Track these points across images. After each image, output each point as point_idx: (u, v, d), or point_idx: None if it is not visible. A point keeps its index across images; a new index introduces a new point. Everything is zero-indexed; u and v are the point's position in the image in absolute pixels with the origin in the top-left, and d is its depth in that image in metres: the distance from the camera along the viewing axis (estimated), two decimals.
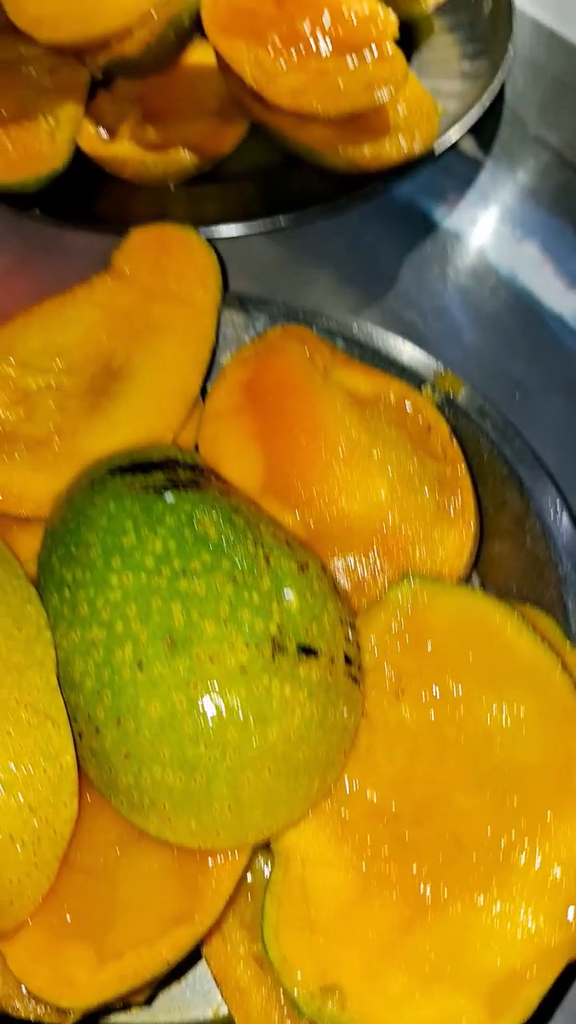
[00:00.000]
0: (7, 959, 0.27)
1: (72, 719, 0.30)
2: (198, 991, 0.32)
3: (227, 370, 0.41)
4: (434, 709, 0.30)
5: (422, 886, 0.28)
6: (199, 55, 0.56)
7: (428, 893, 0.28)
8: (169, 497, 0.32)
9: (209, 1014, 0.32)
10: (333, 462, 0.37)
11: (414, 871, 0.28)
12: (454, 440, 0.37)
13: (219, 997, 0.31)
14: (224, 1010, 0.32)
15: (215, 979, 0.29)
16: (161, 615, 0.29)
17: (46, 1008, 0.27)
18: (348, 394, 0.39)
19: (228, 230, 0.48)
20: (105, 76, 0.54)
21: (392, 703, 0.31)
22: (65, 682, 0.30)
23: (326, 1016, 0.26)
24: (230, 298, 0.44)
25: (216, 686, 0.28)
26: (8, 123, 0.51)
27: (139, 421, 0.39)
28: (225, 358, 0.43)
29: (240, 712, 0.28)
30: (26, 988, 0.27)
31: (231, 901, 0.28)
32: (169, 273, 0.43)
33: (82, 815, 0.29)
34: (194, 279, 0.43)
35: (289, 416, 0.39)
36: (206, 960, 0.30)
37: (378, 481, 0.36)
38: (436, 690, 0.31)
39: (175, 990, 0.32)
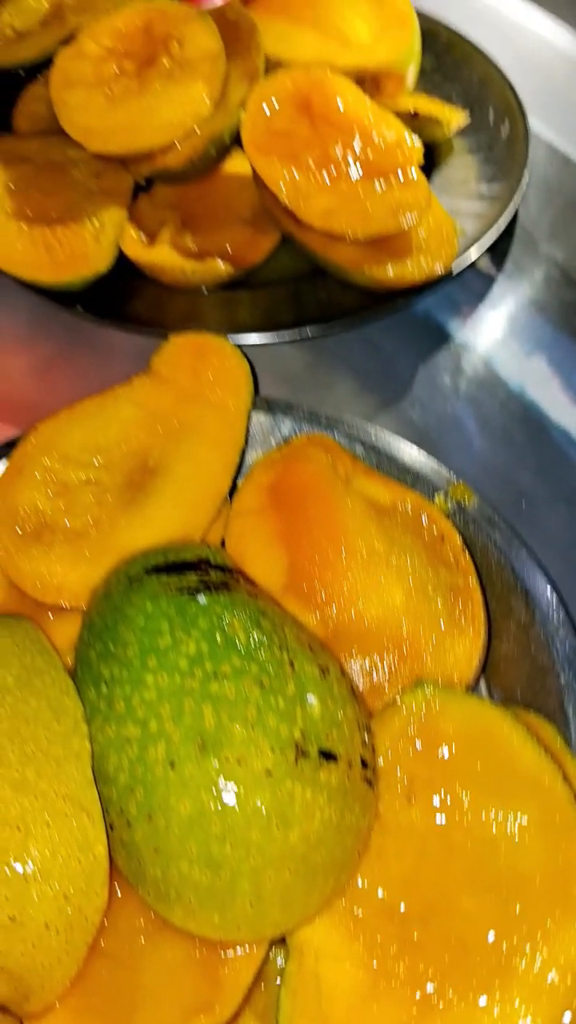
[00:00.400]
0: None
1: (104, 811, 0.32)
2: None
3: (254, 472, 0.44)
4: (443, 814, 0.33)
5: (429, 985, 0.30)
6: (235, 164, 0.60)
7: (434, 992, 0.30)
8: (202, 599, 0.35)
9: None
10: (353, 566, 0.40)
11: (421, 970, 0.30)
12: (466, 551, 0.40)
13: None
14: None
15: None
16: (193, 716, 0.31)
17: None
18: (367, 502, 0.42)
19: (259, 338, 0.51)
20: (147, 181, 0.58)
21: (403, 806, 0.33)
22: (99, 775, 0.32)
23: None
24: (258, 401, 0.47)
25: (243, 789, 0.30)
26: (55, 224, 0.55)
27: (172, 518, 0.42)
28: (250, 456, 0.46)
29: (264, 814, 0.30)
30: None
31: (248, 992, 0.30)
32: (204, 378, 0.46)
33: (110, 903, 0.31)
34: (227, 386, 0.46)
35: (312, 520, 0.41)
36: None
37: (394, 587, 0.39)
38: (445, 796, 0.33)
39: None
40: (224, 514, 0.44)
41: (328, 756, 0.32)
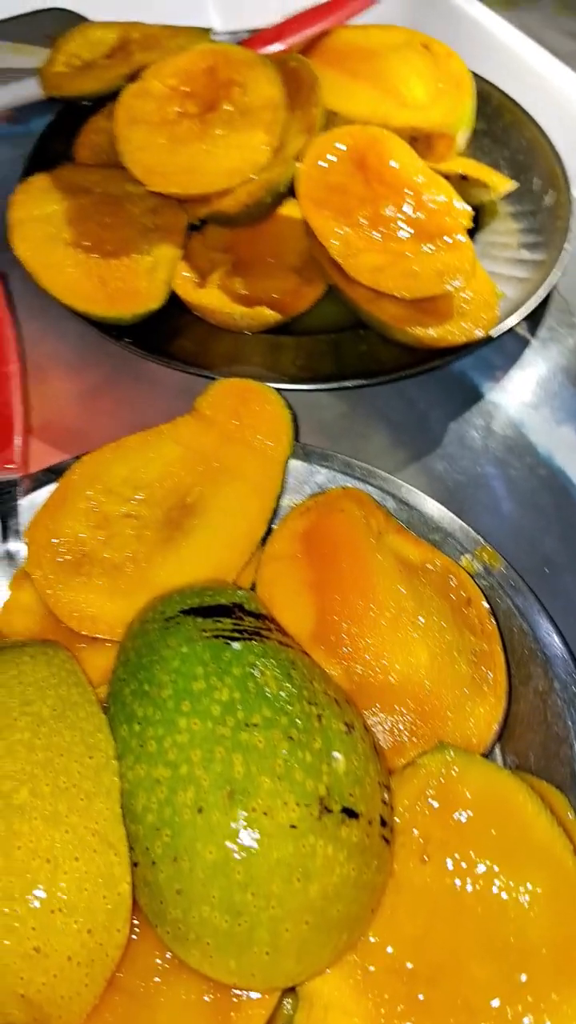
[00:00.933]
0: None
1: (130, 848, 0.32)
2: None
3: (288, 518, 0.45)
4: (456, 877, 0.34)
5: None
6: (287, 212, 0.61)
7: None
8: (236, 645, 0.36)
9: None
10: (381, 622, 0.41)
11: None
12: (492, 617, 0.41)
13: None
14: None
15: None
16: (223, 764, 0.32)
17: None
18: (398, 559, 0.43)
19: (298, 385, 0.52)
20: (200, 221, 0.60)
21: (417, 866, 0.34)
22: (127, 812, 0.33)
23: None
24: (296, 448, 0.48)
25: (268, 840, 0.31)
26: (111, 257, 0.56)
27: (208, 557, 0.43)
28: (284, 502, 0.48)
29: (287, 867, 0.31)
30: None
31: None
32: (247, 422, 0.47)
33: (128, 940, 0.32)
34: (268, 432, 0.47)
35: (343, 572, 0.42)
36: None
37: (421, 646, 0.40)
38: (459, 859, 0.34)
39: None
40: (256, 557, 0.45)
41: (350, 814, 0.33)
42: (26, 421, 0.51)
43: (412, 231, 0.55)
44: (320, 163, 0.57)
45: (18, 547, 0.46)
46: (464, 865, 0.34)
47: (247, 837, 0.31)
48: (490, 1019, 0.31)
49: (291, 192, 0.57)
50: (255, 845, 0.31)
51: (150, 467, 0.46)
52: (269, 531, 0.46)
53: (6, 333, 0.52)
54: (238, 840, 0.31)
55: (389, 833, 0.34)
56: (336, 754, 0.34)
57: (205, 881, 0.31)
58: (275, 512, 0.46)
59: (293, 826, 0.31)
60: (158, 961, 0.32)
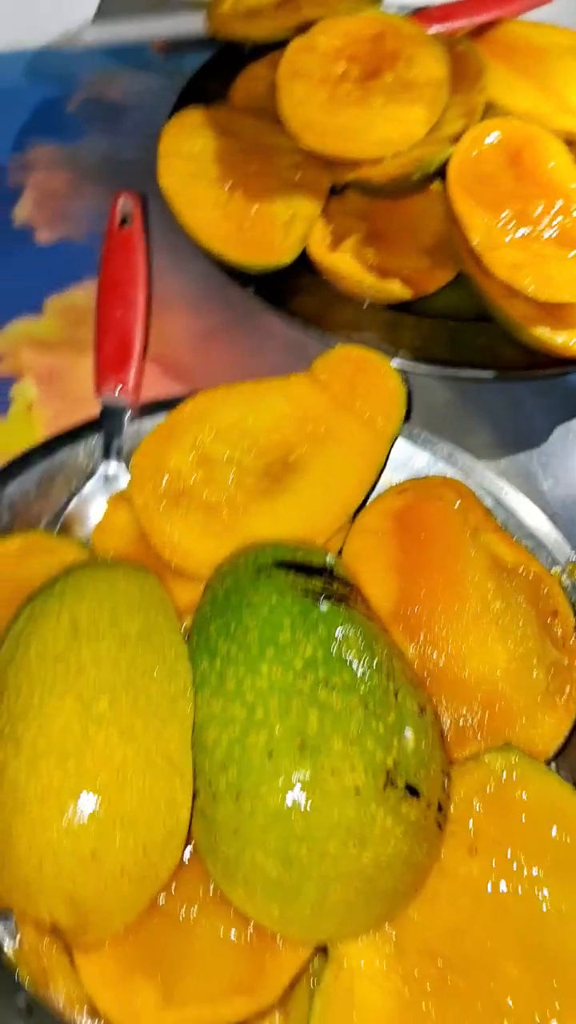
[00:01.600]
0: (81, 972, 0.31)
1: (193, 778, 0.33)
2: None
3: (385, 495, 0.45)
4: (501, 876, 0.34)
5: None
6: (432, 193, 0.60)
7: None
8: (324, 606, 0.36)
9: None
10: (464, 616, 0.41)
11: (450, 1016, 0.31)
12: None
13: None
14: None
15: None
16: (298, 717, 0.32)
17: None
18: (491, 557, 0.43)
19: (410, 366, 0.52)
20: (343, 186, 0.60)
21: (464, 858, 0.34)
22: (196, 744, 0.33)
23: None
24: (402, 428, 0.48)
25: (332, 799, 0.31)
26: (251, 205, 0.56)
27: (302, 518, 0.43)
28: (381, 478, 0.47)
29: (345, 829, 0.31)
30: (91, 1005, 0.30)
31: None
32: (360, 393, 0.47)
33: (179, 867, 0.32)
34: (381, 406, 0.47)
35: (433, 559, 0.42)
36: None
37: (500, 648, 0.40)
38: (508, 860, 0.34)
39: None
40: (346, 527, 0.45)
41: (413, 791, 0.33)
42: (141, 351, 0.51)
43: (557, 235, 0.54)
44: (475, 151, 0.56)
45: (117, 470, 0.46)
46: (513, 866, 0.34)
47: (311, 792, 0.31)
48: (516, 1017, 0.31)
49: (439, 174, 0.57)
50: (317, 801, 0.31)
51: (259, 417, 0.46)
52: (363, 504, 0.46)
53: (138, 257, 0.52)
54: (303, 793, 0.31)
55: (444, 819, 0.34)
56: (408, 732, 0.34)
57: (264, 826, 0.31)
58: (373, 487, 0.46)
59: (358, 791, 0.31)
60: (201, 893, 0.33)
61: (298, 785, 0.31)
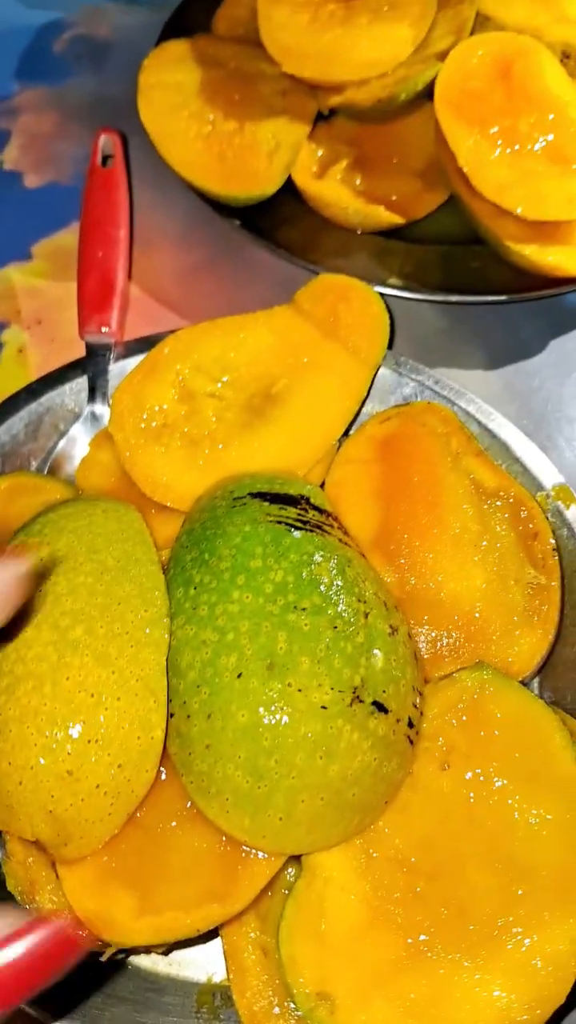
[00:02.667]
0: (63, 883, 0.32)
1: (168, 700, 0.34)
2: (201, 956, 0.36)
3: (368, 424, 0.45)
4: (472, 789, 0.34)
5: (422, 935, 0.32)
6: (420, 114, 0.59)
7: (425, 943, 0.32)
8: (296, 534, 0.37)
9: (203, 979, 0.36)
10: (443, 539, 0.41)
11: (418, 920, 0.32)
12: (556, 555, 0.41)
13: (215, 967, 0.36)
14: (216, 979, 0.36)
15: (224, 953, 0.34)
16: (267, 638, 0.33)
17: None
18: (472, 482, 0.43)
19: (400, 292, 0.51)
20: (329, 111, 0.58)
21: (436, 772, 0.35)
22: (171, 667, 0.34)
23: (315, 1018, 0.30)
24: (388, 356, 0.48)
25: (298, 715, 0.32)
26: (233, 135, 0.55)
27: (283, 449, 0.43)
28: (366, 408, 0.47)
29: (312, 743, 0.32)
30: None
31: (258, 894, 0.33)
32: (344, 321, 0.47)
33: (156, 782, 0.33)
34: (364, 334, 0.46)
35: (414, 485, 0.42)
36: (220, 935, 0.34)
37: (478, 569, 0.40)
38: (478, 773, 0.34)
39: (184, 950, 0.36)
40: (328, 457, 0.45)
41: (380, 708, 0.34)
42: (126, 289, 0.51)
43: (547, 151, 0.52)
44: (463, 67, 0.54)
45: (103, 410, 0.47)
46: (482, 779, 0.34)
47: (278, 708, 0.32)
48: (481, 922, 0.32)
49: (428, 94, 0.55)
50: (285, 717, 0.32)
51: (241, 351, 0.46)
52: (347, 434, 0.46)
53: (119, 196, 0.52)
54: (270, 709, 0.32)
55: (415, 735, 0.35)
56: (376, 651, 0.34)
57: (234, 741, 0.32)
58: (356, 416, 0.46)
59: (324, 707, 0.32)
60: (177, 808, 0.34)
61: (265, 702, 0.32)
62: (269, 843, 0.33)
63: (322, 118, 0.59)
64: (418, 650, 0.39)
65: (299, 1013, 0.31)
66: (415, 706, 0.35)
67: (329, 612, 0.34)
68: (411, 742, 0.35)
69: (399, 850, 0.34)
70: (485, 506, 0.42)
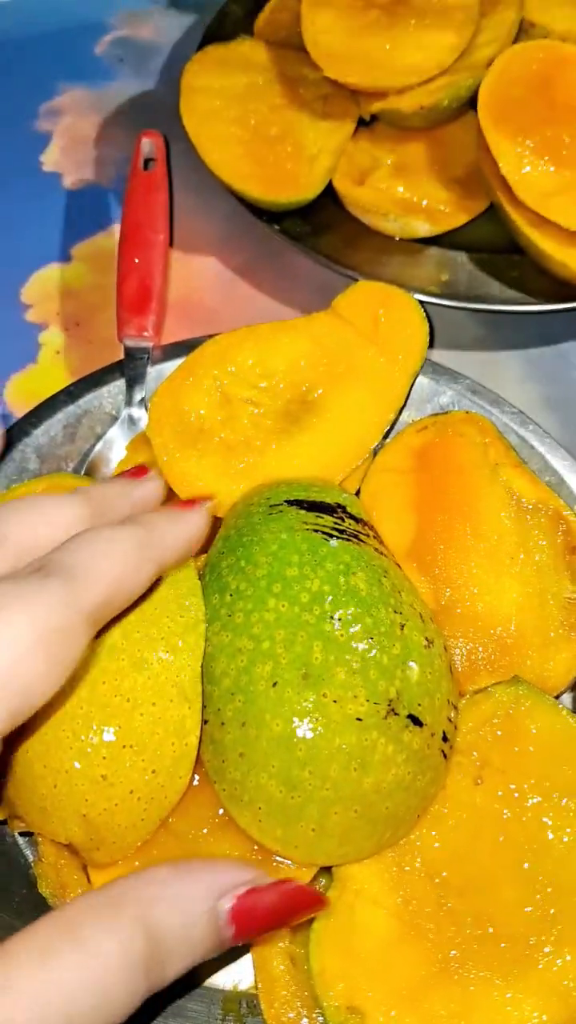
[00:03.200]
0: (95, 887, 0.32)
1: (203, 706, 0.34)
2: (228, 963, 0.36)
3: (405, 433, 0.45)
4: (505, 805, 0.34)
5: (452, 951, 0.32)
6: (462, 121, 0.58)
7: (455, 959, 0.32)
8: (333, 543, 0.37)
9: (229, 986, 0.36)
10: (480, 551, 0.40)
11: (449, 936, 0.32)
12: None
13: (241, 974, 0.36)
14: (242, 986, 0.36)
15: (253, 962, 0.34)
16: (303, 648, 0.33)
17: None
18: (510, 494, 0.42)
19: (439, 300, 0.51)
20: (371, 117, 0.58)
21: (469, 787, 0.35)
22: (206, 674, 0.34)
23: None
24: (426, 364, 0.47)
25: (333, 726, 0.32)
26: (274, 141, 0.55)
27: (319, 456, 0.43)
28: (404, 416, 0.47)
29: (346, 755, 0.32)
30: None
31: None
32: (382, 329, 0.46)
33: (188, 789, 0.33)
34: (403, 341, 0.46)
35: (451, 495, 0.42)
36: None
37: (515, 582, 0.40)
38: (512, 789, 0.34)
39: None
40: (364, 466, 0.45)
41: (416, 721, 0.33)
42: (164, 293, 0.51)
43: None
44: (506, 76, 0.54)
45: (140, 414, 0.47)
46: (516, 795, 0.34)
47: (313, 719, 0.32)
48: (513, 941, 0.32)
49: (470, 102, 0.55)
50: (320, 728, 0.32)
51: (279, 358, 0.46)
52: (383, 441, 0.45)
53: (161, 200, 0.52)
54: (305, 720, 0.32)
55: (449, 749, 0.35)
56: (412, 663, 0.34)
57: (267, 751, 0.32)
58: (393, 424, 0.46)
59: (359, 719, 0.32)
60: (210, 815, 0.34)
61: (300, 712, 0.32)
62: (301, 854, 0.33)
63: (363, 124, 0.59)
64: (453, 663, 0.38)
65: None
66: (450, 720, 0.35)
67: (366, 623, 0.34)
68: (445, 756, 0.35)
69: (431, 864, 0.34)
70: (523, 518, 0.41)
